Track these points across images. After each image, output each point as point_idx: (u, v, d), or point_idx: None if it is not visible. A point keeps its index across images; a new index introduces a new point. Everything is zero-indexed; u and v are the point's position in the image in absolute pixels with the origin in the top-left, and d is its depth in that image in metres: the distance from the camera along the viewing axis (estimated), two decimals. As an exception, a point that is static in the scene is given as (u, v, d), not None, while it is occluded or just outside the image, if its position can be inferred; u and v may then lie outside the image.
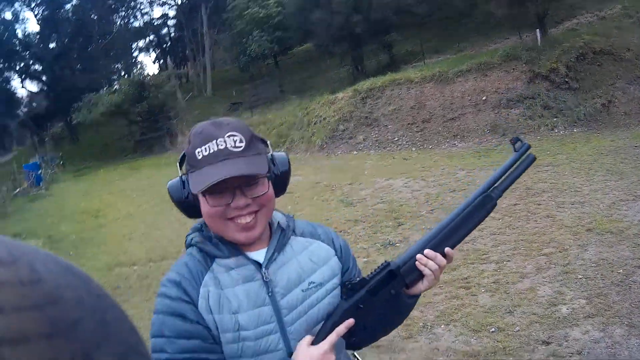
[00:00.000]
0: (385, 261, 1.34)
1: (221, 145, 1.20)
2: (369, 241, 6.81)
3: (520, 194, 7.78)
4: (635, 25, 15.29)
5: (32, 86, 44.47)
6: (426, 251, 1.32)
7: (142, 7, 48.01)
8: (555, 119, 13.12)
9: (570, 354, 3.91)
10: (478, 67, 14.53)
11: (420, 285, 1.35)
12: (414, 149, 13.38)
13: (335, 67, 21.79)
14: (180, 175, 1.32)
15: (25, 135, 53.44)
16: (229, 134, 1.21)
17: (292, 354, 1.25)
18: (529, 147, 1.37)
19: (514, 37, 17.70)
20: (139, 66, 44.00)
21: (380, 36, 19.65)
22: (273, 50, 24.18)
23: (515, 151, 1.36)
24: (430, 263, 1.32)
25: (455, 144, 13.09)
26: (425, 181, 9.62)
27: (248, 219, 1.24)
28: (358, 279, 1.33)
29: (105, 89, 30.24)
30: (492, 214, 1.41)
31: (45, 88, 38.15)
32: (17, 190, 20.25)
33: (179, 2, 41.38)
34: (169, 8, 49.19)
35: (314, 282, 1.33)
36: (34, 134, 39.94)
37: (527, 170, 1.39)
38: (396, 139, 13.97)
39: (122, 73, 43.09)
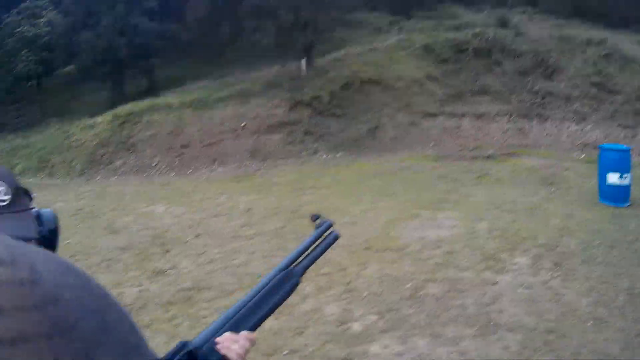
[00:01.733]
0: (181, 341, 1.11)
1: None
2: (140, 269, 6.56)
3: (287, 217, 7.98)
4: (410, 57, 16.31)
5: None
6: (226, 335, 1.16)
7: None
8: (316, 144, 13.78)
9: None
10: (238, 94, 14.92)
11: None
12: (172, 174, 13.27)
13: (97, 91, 21.13)
14: None
15: None
16: None
17: None
18: (330, 224, 1.33)
19: (279, 66, 18.31)
20: None
21: (142, 61, 19.88)
22: (37, 72, 22.89)
23: (316, 228, 1.33)
24: (235, 347, 1.15)
25: (214, 169, 13.21)
26: (186, 207, 9.57)
27: None
28: None
29: None
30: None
31: None
32: None
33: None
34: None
35: None
36: None
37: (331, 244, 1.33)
38: (154, 164, 13.75)
39: None
